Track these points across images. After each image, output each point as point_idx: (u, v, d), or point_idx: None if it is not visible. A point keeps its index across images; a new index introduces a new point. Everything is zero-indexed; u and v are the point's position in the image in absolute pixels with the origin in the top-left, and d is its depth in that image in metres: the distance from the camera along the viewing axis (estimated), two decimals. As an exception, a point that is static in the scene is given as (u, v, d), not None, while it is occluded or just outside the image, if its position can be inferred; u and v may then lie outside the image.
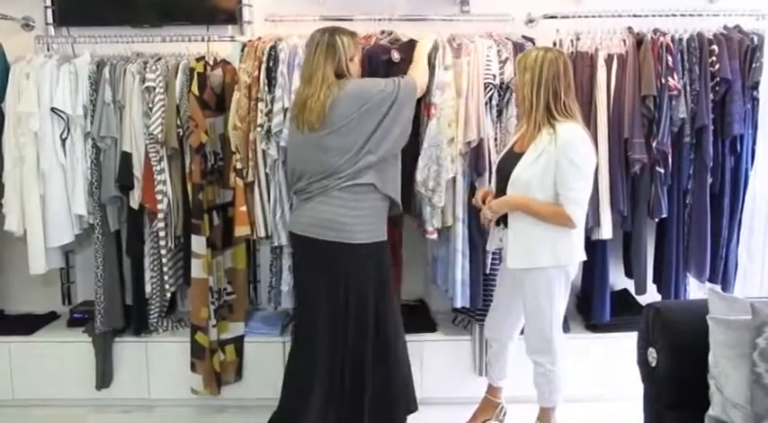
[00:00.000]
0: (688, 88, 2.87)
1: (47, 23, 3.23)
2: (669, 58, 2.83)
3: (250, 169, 2.91)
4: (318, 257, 2.53)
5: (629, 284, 3.17)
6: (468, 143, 2.83)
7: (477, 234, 2.91)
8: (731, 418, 1.81)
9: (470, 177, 2.89)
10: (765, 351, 1.74)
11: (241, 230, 2.95)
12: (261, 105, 2.82)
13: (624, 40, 2.92)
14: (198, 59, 2.95)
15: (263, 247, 3.39)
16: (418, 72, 2.63)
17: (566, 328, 2.96)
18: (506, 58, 2.84)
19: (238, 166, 2.91)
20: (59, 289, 3.43)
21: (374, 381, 2.58)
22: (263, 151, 2.86)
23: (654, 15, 2.98)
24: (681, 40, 2.89)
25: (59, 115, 2.95)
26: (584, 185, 2.41)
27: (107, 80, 2.95)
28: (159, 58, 3.02)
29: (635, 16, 2.99)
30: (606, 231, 2.91)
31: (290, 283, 2.99)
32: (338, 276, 2.51)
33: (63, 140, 2.98)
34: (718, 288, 2.94)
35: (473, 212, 2.82)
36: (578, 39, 2.95)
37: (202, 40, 3.06)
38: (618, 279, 3.28)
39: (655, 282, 3.12)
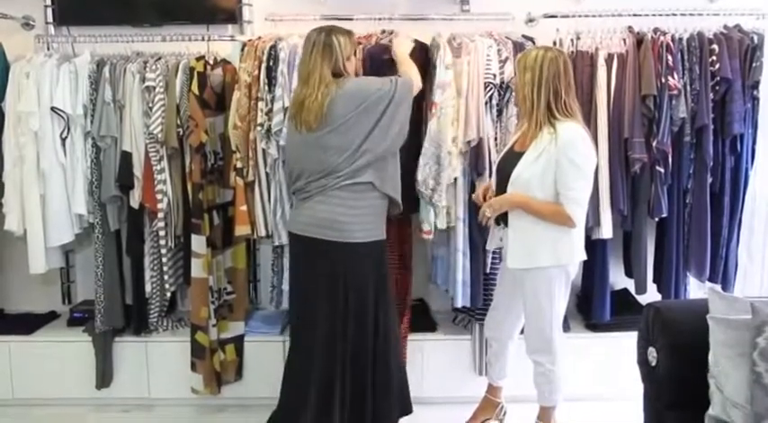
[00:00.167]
0: (688, 88, 2.87)
1: (47, 22, 3.23)
2: (669, 58, 2.83)
3: (250, 168, 2.91)
4: (317, 257, 2.53)
5: (630, 284, 3.17)
6: (468, 142, 2.83)
7: (478, 233, 2.91)
8: (731, 417, 1.81)
9: (470, 177, 2.89)
10: (765, 350, 1.74)
11: (241, 230, 2.95)
12: (261, 105, 2.83)
13: (624, 40, 2.92)
14: (198, 59, 2.95)
15: (263, 247, 3.40)
16: (412, 71, 2.63)
17: (566, 328, 2.96)
18: (506, 58, 2.84)
19: (239, 165, 2.91)
20: (59, 288, 3.43)
21: (374, 380, 2.59)
22: (264, 150, 2.87)
23: (654, 15, 2.98)
24: (681, 39, 2.89)
25: (59, 114, 2.95)
26: (585, 185, 2.41)
27: (107, 79, 2.95)
28: (159, 58, 3.02)
29: (635, 15, 2.99)
30: (606, 231, 2.91)
31: (292, 283, 3.00)
32: (337, 275, 2.51)
33: (63, 140, 2.98)
34: (718, 288, 2.94)
35: (473, 212, 2.82)
36: (578, 38, 2.95)
37: (202, 40, 3.06)
38: (618, 278, 3.28)
39: (655, 281, 3.12)
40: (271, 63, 2.83)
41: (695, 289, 3.14)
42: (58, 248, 3.14)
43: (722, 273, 3.04)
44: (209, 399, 3.13)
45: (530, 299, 2.52)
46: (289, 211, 2.88)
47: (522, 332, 2.71)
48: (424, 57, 2.90)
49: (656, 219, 2.98)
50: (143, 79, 2.95)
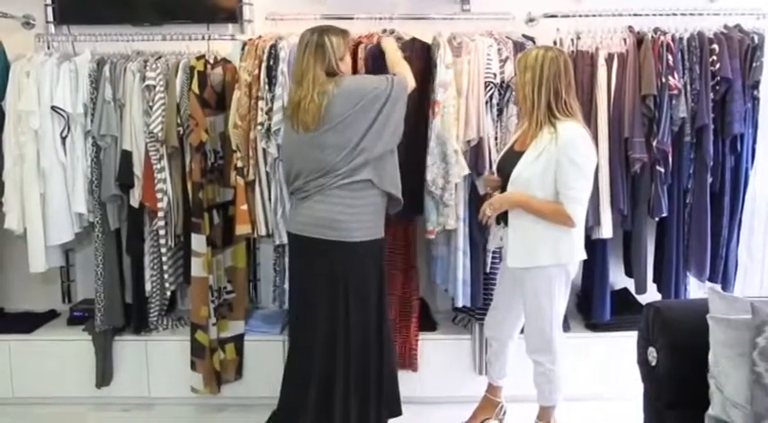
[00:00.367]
0: (688, 87, 2.87)
1: (47, 21, 3.23)
2: (669, 58, 2.83)
3: (251, 168, 2.91)
4: (317, 256, 2.53)
5: (630, 283, 3.17)
6: (468, 142, 2.83)
7: (478, 233, 2.91)
8: (731, 417, 1.81)
9: (470, 176, 2.89)
10: (765, 350, 1.74)
11: (242, 229, 2.95)
12: (261, 104, 2.82)
13: (624, 40, 2.92)
14: (198, 58, 2.95)
15: (263, 246, 3.40)
16: (405, 70, 2.62)
17: (566, 328, 2.96)
18: (507, 57, 2.84)
19: (239, 164, 2.91)
20: (59, 287, 3.44)
21: (376, 378, 2.59)
22: (264, 150, 2.87)
23: (654, 14, 2.98)
24: (681, 39, 2.89)
25: (60, 113, 2.95)
26: (585, 184, 2.41)
27: (107, 78, 2.95)
28: (159, 57, 3.02)
29: (635, 15, 2.99)
30: (606, 230, 2.91)
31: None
32: (337, 275, 2.51)
33: (63, 139, 2.98)
34: (718, 287, 2.94)
35: (474, 211, 2.82)
36: (579, 38, 2.95)
37: (203, 39, 3.06)
38: (618, 278, 3.28)
39: (655, 281, 3.12)
40: (271, 62, 2.83)
41: (695, 289, 3.14)
42: (58, 247, 3.14)
43: (722, 272, 3.04)
44: (208, 398, 3.13)
45: (530, 298, 2.52)
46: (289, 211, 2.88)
47: (522, 332, 2.71)
48: (425, 56, 2.90)
49: (656, 218, 2.98)
50: (143, 78, 2.95)
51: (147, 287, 3.12)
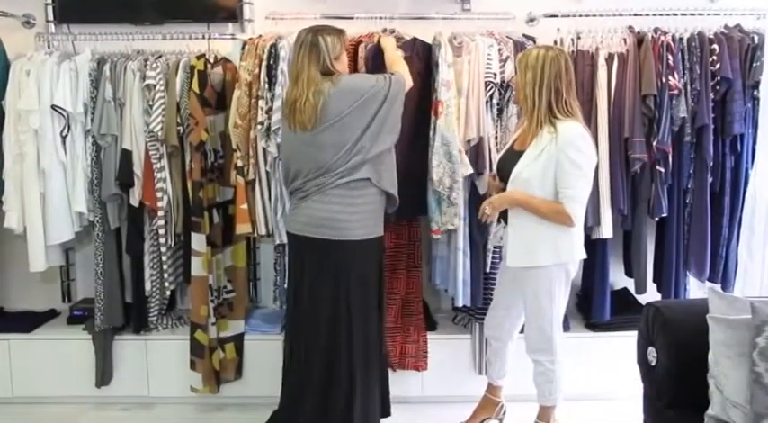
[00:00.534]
0: (688, 87, 2.87)
1: (47, 21, 3.23)
2: (670, 58, 2.83)
3: (251, 167, 2.91)
4: (316, 256, 2.52)
5: (630, 283, 3.18)
6: (468, 142, 2.83)
7: (478, 232, 2.91)
8: (731, 417, 1.81)
9: (471, 176, 2.89)
10: (765, 350, 1.74)
11: (242, 228, 2.95)
12: (261, 103, 2.82)
13: (625, 40, 2.92)
14: (198, 57, 2.95)
15: (262, 245, 3.40)
16: (403, 69, 2.62)
17: (566, 327, 2.96)
18: (507, 57, 2.84)
19: (239, 163, 2.90)
20: (59, 286, 3.43)
21: (378, 378, 2.60)
22: (264, 149, 2.86)
23: (654, 14, 2.98)
24: (681, 39, 2.89)
25: (60, 113, 2.95)
26: (585, 184, 2.41)
27: (107, 78, 2.95)
28: (160, 56, 3.02)
29: (635, 15, 2.99)
30: (606, 230, 2.91)
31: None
32: (338, 274, 2.51)
33: (63, 138, 2.98)
34: (718, 287, 2.94)
35: (474, 210, 2.82)
36: (579, 38, 2.95)
37: (203, 38, 3.06)
38: (618, 278, 3.28)
39: (655, 281, 3.12)
40: (271, 61, 2.83)
41: (695, 289, 3.14)
42: (58, 246, 3.14)
43: (722, 272, 3.05)
44: (208, 397, 3.13)
45: (530, 298, 2.53)
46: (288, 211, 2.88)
47: (521, 331, 2.71)
48: (427, 56, 2.90)
49: (656, 218, 2.98)
50: (143, 77, 2.95)
51: (147, 286, 3.12)
